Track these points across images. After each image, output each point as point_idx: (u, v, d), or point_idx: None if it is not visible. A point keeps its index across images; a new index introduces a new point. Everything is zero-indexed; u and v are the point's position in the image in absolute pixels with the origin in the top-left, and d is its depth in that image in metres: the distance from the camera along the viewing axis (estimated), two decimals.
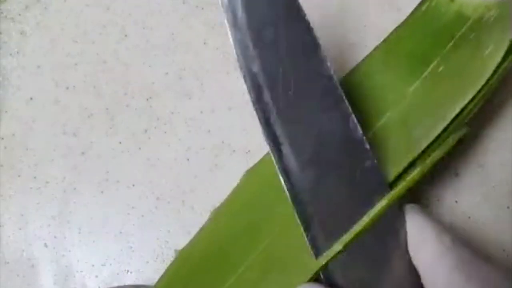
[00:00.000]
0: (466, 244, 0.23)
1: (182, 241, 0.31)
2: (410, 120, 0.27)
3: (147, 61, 0.34)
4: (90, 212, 0.32)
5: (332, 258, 0.24)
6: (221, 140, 0.33)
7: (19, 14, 0.35)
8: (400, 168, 0.26)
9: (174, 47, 0.34)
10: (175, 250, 0.29)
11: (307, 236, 0.25)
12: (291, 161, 0.25)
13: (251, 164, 0.32)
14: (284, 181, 0.25)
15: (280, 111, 0.25)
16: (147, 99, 0.34)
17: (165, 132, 0.33)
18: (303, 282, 0.25)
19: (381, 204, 0.24)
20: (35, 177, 0.33)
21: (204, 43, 0.34)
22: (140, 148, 0.33)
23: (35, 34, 0.35)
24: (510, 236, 0.30)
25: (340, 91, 0.25)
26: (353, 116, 0.25)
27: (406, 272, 0.24)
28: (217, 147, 0.33)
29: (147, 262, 0.32)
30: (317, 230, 0.25)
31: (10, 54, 0.35)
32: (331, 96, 0.25)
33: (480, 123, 0.32)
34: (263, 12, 0.25)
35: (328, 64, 0.26)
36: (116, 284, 0.31)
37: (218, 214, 0.28)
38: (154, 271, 0.31)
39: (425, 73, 0.28)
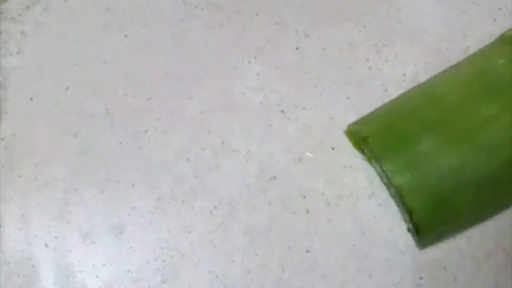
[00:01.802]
0: None
1: (182, 241, 0.31)
2: None
3: (147, 61, 0.34)
4: (91, 212, 0.32)
5: None
6: (221, 140, 0.33)
7: (19, 14, 0.35)
8: None
9: (174, 47, 0.34)
10: None
11: None
12: None
13: (251, 164, 0.32)
14: None
15: None
16: (147, 100, 0.34)
17: (165, 132, 0.33)
18: None
19: None
20: (35, 178, 0.33)
21: (204, 43, 0.34)
22: (140, 148, 0.33)
23: (35, 34, 0.35)
24: (510, 236, 0.31)
25: None
26: None
27: None
28: (217, 147, 0.33)
29: (148, 262, 0.32)
30: None
31: (10, 54, 0.35)
32: None
33: None
34: None
35: None
36: (116, 285, 0.31)
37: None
38: (154, 271, 0.31)
39: None
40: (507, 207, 0.30)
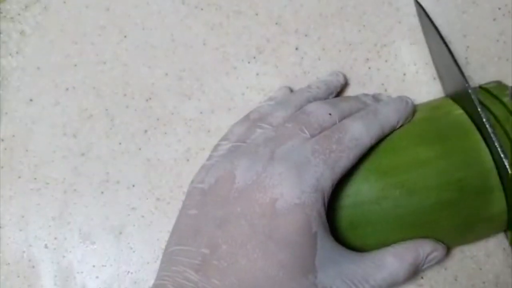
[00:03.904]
0: None
1: None
2: None
3: (147, 62, 0.34)
4: (90, 213, 0.32)
5: None
6: None
7: (19, 14, 0.35)
8: None
9: (173, 47, 0.34)
10: None
11: None
12: None
13: None
14: None
15: None
16: (147, 100, 0.34)
17: (165, 133, 0.33)
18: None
19: None
20: (35, 178, 0.33)
21: (204, 44, 0.34)
22: (140, 149, 0.33)
23: (35, 34, 0.35)
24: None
25: None
26: None
27: None
28: None
29: (148, 262, 0.32)
30: None
31: (10, 54, 0.35)
32: None
33: None
34: None
35: None
36: (116, 285, 0.31)
37: None
38: (154, 272, 0.31)
39: None
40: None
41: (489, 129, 0.25)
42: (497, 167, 0.26)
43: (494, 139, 0.25)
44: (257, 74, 0.34)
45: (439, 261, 0.27)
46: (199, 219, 0.25)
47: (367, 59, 0.33)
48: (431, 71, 0.33)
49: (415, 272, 0.26)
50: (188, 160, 0.33)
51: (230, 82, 0.33)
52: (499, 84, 0.29)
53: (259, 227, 0.23)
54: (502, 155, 0.25)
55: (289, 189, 0.23)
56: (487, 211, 0.26)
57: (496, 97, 0.27)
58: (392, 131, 0.27)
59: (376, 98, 0.31)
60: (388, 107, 0.28)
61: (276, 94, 0.32)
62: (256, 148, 0.26)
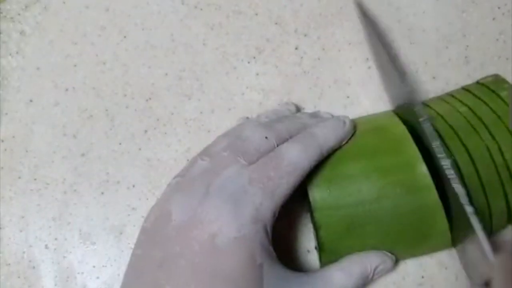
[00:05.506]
0: None
1: None
2: None
3: (147, 62, 0.34)
4: (91, 213, 0.32)
5: None
6: None
7: (19, 14, 0.35)
8: None
9: (173, 48, 0.34)
10: None
11: None
12: None
13: None
14: None
15: None
16: (147, 100, 0.34)
17: (165, 133, 0.33)
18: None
19: None
20: (35, 179, 0.33)
21: (204, 44, 0.34)
22: (140, 149, 0.33)
23: (35, 34, 0.35)
24: (509, 236, 0.31)
25: None
26: None
27: None
28: None
29: None
30: None
31: (10, 54, 0.35)
32: None
33: None
34: None
35: None
36: (116, 286, 0.31)
37: None
38: None
39: None
40: (422, 252, 0.29)
41: (437, 152, 0.25)
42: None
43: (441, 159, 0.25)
44: (257, 74, 0.34)
45: (388, 272, 0.28)
46: (143, 259, 0.24)
47: (367, 59, 0.33)
48: (430, 70, 0.33)
49: (364, 284, 0.26)
50: (188, 160, 0.33)
51: (230, 82, 0.33)
52: (497, 79, 0.29)
53: (201, 266, 0.22)
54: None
55: (227, 223, 0.23)
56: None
57: (494, 92, 0.27)
58: (332, 152, 0.27)
59: (314, 115, 0.30)
60: (325, 129, 0.27)
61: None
62: (192, 182, 0.25)
